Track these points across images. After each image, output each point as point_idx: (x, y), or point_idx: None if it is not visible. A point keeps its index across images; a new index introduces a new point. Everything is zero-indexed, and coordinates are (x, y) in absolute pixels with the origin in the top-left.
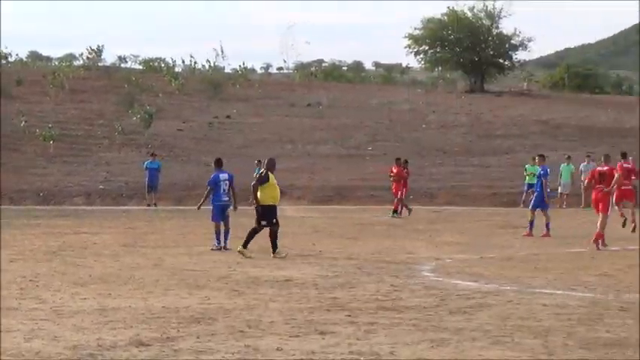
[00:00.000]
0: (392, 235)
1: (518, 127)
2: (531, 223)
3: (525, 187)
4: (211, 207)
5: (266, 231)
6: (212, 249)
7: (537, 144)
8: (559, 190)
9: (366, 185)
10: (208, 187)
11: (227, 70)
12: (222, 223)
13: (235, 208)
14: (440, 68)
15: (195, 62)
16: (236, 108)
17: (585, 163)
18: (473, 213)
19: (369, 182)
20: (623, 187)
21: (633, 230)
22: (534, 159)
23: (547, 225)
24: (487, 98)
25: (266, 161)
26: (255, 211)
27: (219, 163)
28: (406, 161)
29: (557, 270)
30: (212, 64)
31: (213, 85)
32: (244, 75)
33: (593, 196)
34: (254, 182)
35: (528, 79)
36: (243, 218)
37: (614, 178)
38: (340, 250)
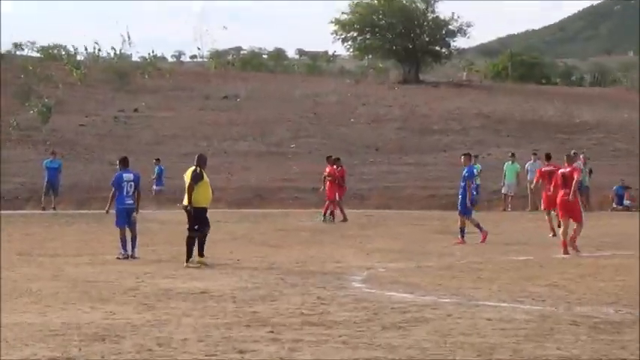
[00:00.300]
0: (318, 242)
1: (458, 121)
2: (462, 229)
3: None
4: (115, 211)
5: (179, 234)
6: (118, 258)
7: (478, 140)
8: (503, 191)
9: (289, 186)
10: (113, 189)
11: (135, 58)
12: (127, 229)
13: (136, 211)
14: (370, 56)
15: (99, 50)
16: (144, 100)
17: (532, 161)
18: (408, 217)
19: (293, 183)
20: (549, 193)
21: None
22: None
23: (461, 230)
24: (423, 89)
25: (196, 157)
26: (186, 215)
27: (124, 162)
28: (337, 159)
29: (502, 280)
30: (118, 52)
31: (119, 75)
32: (154, 64)
33: (558, 202)
34: (190, 182)
35: (468, 69)
36: (151, 223)
37: (574, 181)
38: (261, 259)
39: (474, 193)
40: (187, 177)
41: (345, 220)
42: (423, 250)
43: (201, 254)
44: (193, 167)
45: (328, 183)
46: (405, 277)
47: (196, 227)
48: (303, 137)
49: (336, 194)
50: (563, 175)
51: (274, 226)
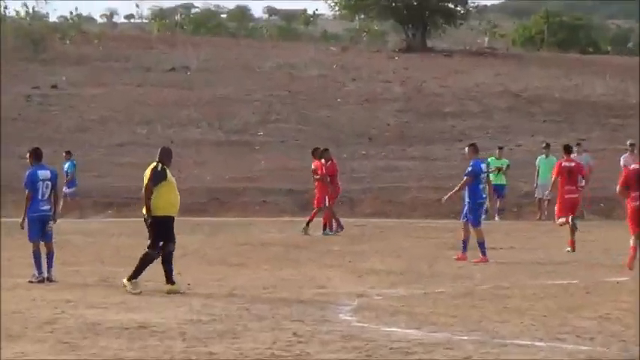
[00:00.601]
0: (294, 261)
1: (477, 101)
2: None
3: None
4: (27, 220)
5: (111, 250)
6: (31, 281)
7: (505, 126)
8: (536, 195)
9: (255, 187)
10: (27, 191)
11: (52, 18)
12: (43, 244)
13: (54, 219)
14: (362, 16)
15: (5, 8)
16: (65, 74)
17: (575, 154)
18: (411, 227)
19: (260, 183)
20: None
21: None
22: (501, 149)
23: (480, 245)
24: (431, 59)
25: (159, 151)
26: (146, 226)
27: (37, 156)
28: (326, 150)
29: (536, 311)
30: (30, 11)
31: (33, 40)
32: (77, 26)
33: (629, 210)
34: (147, 183)
35: (490, 33)
36: (74, 236)
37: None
38: (218, 283)
39: (482, 196)
40: (146, 177)
41: (326, 230)
42: (431, 272)
43: (170, 281)
44: (154, 164)
45: (317, 184)
46: (408, 307)
47: (160, 243)
48: (274, 122)
49: (327, 198)
50: (637, 172)
51: (236, 239)
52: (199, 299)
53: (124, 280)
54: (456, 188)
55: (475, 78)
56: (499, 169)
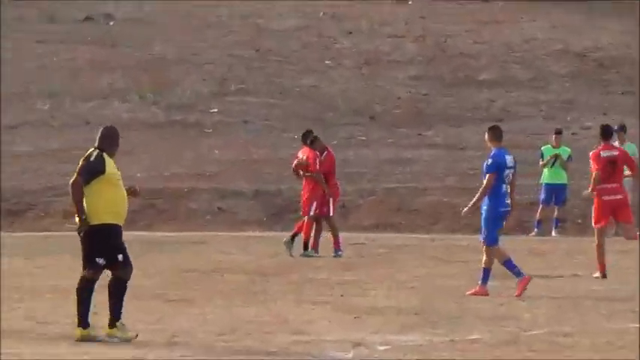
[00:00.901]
0: (262, 294)
1: (526, 64)
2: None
3: (542, 194)
4: None
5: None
6: None
7: (566, 100)
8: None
9: (206, 188)
10: None
11: None
12: None
13: None
14: None
15: None
16: None
17: (615, 141)
18: (431, 247)
19: (213, 182)
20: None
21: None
22: (558, 133)
23: (484, 272)
24: (460, 5)
25: (99, 133)
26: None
27: None
28: (316, 138)
29: None
30: None
31: None
32: None
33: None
34: (76, 177)
35: None
36: None
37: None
38: (154, 327)
39: (505, 203)
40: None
41: (308, 250)
42: (460, 310)
43: (116, 317)
44: (90, 150)
45: (306, 183)
46: None
47: (100, 261)
48: (235, 95)
49: (316, 204)
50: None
51: (178, 263)
52: (127, 349)
53: (77, 332)
54: (479, 194)
55: (523, 32)
56: (554, 160)
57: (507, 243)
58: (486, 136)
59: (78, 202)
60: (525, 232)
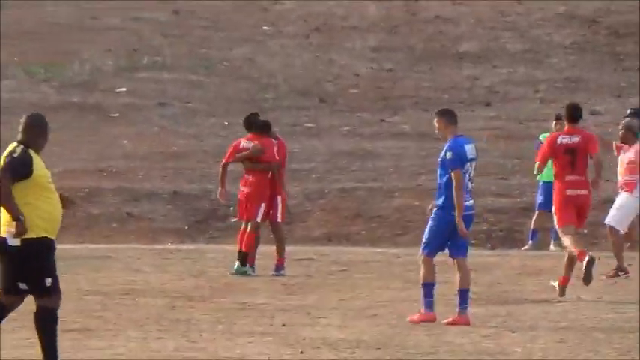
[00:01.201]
0: (184, 323)
1: (518, 33)
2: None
3: (539, 195)
4: None
5: None
6: None
7: (567, 78)
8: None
9: (111, 188)
10: None
11: None
12: None
13: None
14: None
15: None
16: None
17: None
18: (397, 263)
19: (121, 180)
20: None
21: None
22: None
23: (461, 294)
24: None
25: (23, 123)
26: None
27: None
28: (266, 124)
29: None
30: None
31: None
32: None
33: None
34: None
35: None
36: None
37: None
38: None
39: (467, 202)
40: None
41: (246, 264)
42: (432, 344)
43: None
44: (13, 145)
45: (254, 179)
46: None
47: (23, 286)
48: (147, 69)
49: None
50: None
51: (78, 283)
52: None
53: None
54: (457, 198)
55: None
56: None
57: (494, 259)
58: (436, 122)
59: (9, 200)
60: (517, 245)
